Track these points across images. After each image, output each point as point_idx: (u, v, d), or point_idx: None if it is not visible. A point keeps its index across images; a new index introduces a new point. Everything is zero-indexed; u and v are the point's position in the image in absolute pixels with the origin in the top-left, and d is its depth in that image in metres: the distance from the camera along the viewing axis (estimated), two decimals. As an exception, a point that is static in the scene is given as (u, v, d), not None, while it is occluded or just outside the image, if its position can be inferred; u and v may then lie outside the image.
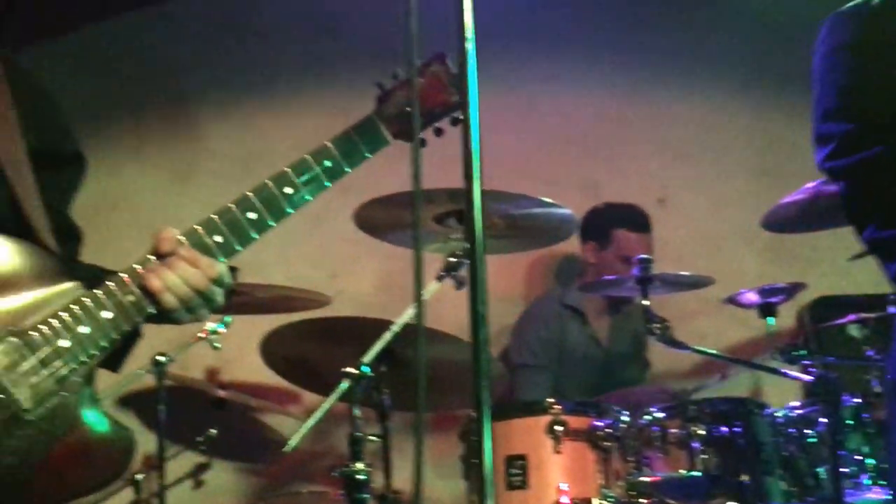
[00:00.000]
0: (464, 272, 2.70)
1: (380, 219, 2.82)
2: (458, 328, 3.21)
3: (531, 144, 4.32)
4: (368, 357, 2.52)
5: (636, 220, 3.78)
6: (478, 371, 1.30)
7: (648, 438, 2.77)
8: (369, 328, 2.83)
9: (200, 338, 3.24)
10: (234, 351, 3.72)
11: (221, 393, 3.52)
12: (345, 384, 2.48)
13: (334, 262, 4.18)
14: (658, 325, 2.92)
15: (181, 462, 3.60)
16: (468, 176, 1.35)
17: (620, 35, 4.46)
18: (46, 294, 1.57)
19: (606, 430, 2.75)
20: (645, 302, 2.95)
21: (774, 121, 4.40)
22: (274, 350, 3.06)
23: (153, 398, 3.07)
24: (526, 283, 4.26)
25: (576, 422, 2.73)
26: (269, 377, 3.41)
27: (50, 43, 4.23)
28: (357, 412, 2.53)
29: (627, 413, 2.81)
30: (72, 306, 1.57)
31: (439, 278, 2.68)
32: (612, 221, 3.79)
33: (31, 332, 1.54)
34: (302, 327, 3.04)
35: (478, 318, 1.32)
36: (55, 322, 1.56)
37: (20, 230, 1.64)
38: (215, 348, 3.27)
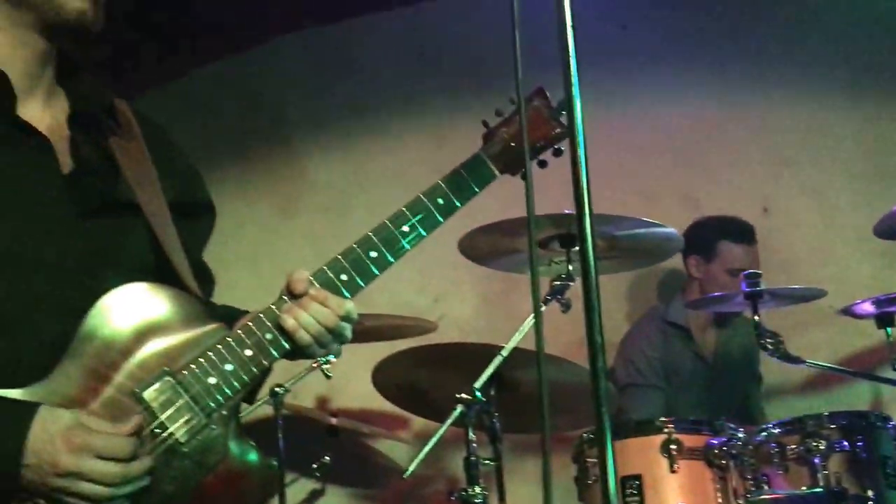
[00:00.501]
0: (569, 295, 2.76)
1: (483, 246, 2.91)
2: (562, 350, 3.29)
3: (627, 160, 4.35)
4: (480, 382, 2.59)
5: (741, 231, 3.77)
6: (598, 400, 1.34)
7: (766, 455, 2.76)
8: (475, 353, 2.92)
9: (313, 367, 3.38)
10: (342, 379, 3.86)
11: (333, 420, 3.65)
12: (459, 409, 2.56)
13: (436, 286, 4.30)
14: (770, 340, 2.91)
15: (297, 489, 3.76)
16: (580, 216, 1.40)
17: (714, 44, 4.46)
18: (194, 335, 1.71)
19: (722, 447, 2.75)
20: (755, 317, 2.95)
21: (885, 122, 4.32)
22: (385, 377, 3.17)
23: (271, 427, 3.22)
24: (629, 300, 4.28)
25: (690, 440, 2.74)
26: (378, 403, 3.53)
27: (158, 88, 4.50)
28: (472, 436, 2.60)
29: (743, 430, 2.80)
30: (217, 346, 1.70)
31: (545, 301, 2.75)
32: (716, 234, 3.78)
33: (183, 372, 1.67)
34: (411, 355, 3.14)
35: (595, 347, 1.37)
36: (203, 361, 1.69)
37: (166, 276, 1.78)
38: (327, 377, 3.40)
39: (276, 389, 3.18)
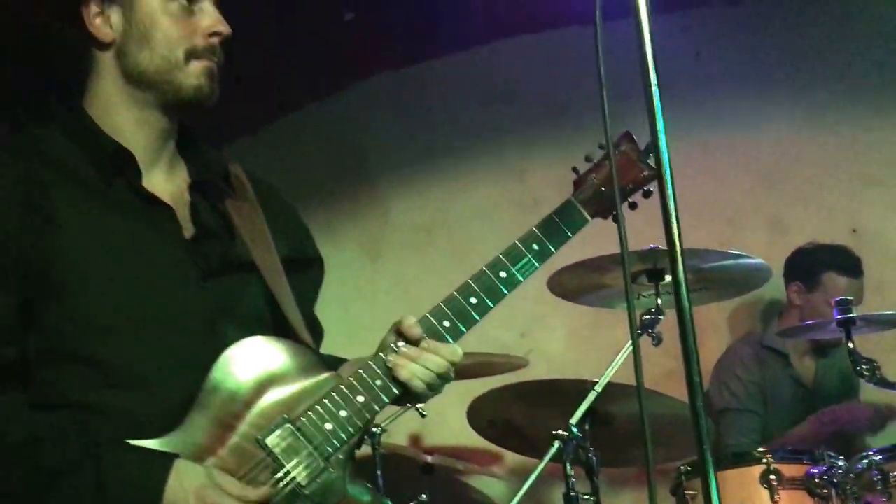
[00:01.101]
0: (659, 328, 2.83)
1: (571, 283, 3.01)
2: (653, 382, 3.35)
3: (711, 187, 4.41)
4: (576, 418, 2.69)
5: (848, 263, 3.77)
6: (700, 438, 1.43)
7: (869, 482, 2.79)
8: (567, 388, 3.02)
9: (408, 406, 3.50)
10: (435, 416, 3.98)
11: (429, 458, 3.76)
12: (556, 445, 2.65)
13: (523, 322, 4.40)
14: (866, 367, 2.93)
15: (397, 528, 3.87)
16: (672, 261, 1.48)
17: (796, 66, 4.51)
18: (310, 384, 1.85)
19: (823, 476, 2.78)
20: (849, 344, 2.98)
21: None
22: (479, 414, 3.28)
23: (370, 466, 3.35)
24: (729, 325, 4.32)
25: (790, 469, 2.79)
26: (471, 440, 3.64)
27: (247, 136, 4.74)
28: (570, 471, 2.69)
29: (843, 458, 2.83)
30: (332, 393, 1.84)
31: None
32: (821, 264, 3.79)
33: (301, 419, 1.81)
34: (504, 392, 3.25)
35: (694, 387, 1.45)
36: (319, 408, 1.82)
37: (281, 330, 1.94)
38: (422, 416, 3.51)
39: (373, 429, 3.31)
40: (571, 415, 2.94)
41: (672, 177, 1.56)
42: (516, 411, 3.22)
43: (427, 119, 4.78)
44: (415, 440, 4.35)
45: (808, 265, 3.81)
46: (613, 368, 2.74)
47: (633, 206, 2.07)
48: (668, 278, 2.84)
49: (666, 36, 4.97)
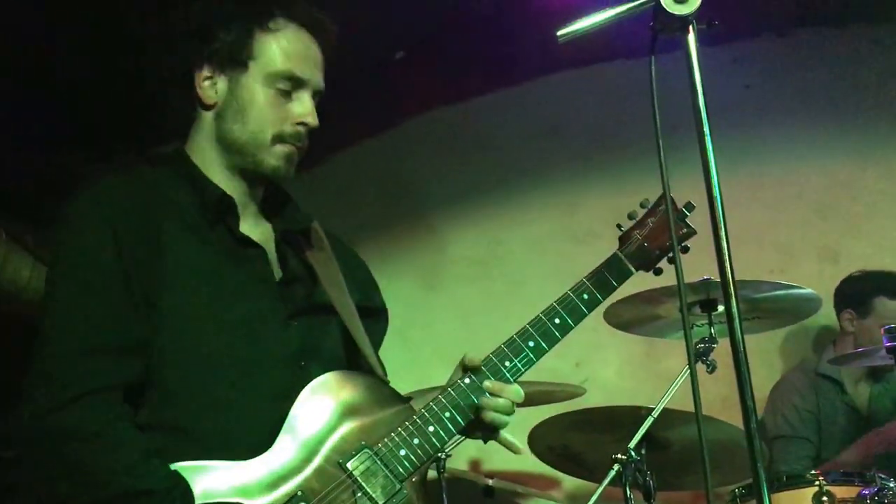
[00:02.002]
0: (713, 356, 3.00)
1: (626, 314, 3.18)
2: (708, 408, 3.48)
3: (762, 217, 4.55)
4: (633, 442, 2.87)
5: None
6: (753, 459, 1.56)
7: (920, 504, 2.91)
8: (622, 415, 3.19)
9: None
10: (494, 443, 4.16)
11: (490, 482, 3.94)
12: (616, 469, 2.83)
13: (578, 351, 4.58)
14: (919, 392, 3.05)
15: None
16: (727, 295, 1.64)
17: (842, 97, 4.64)
18: (386, 415, 2.09)
19: (874, 497, 2.92)
20: (901, 370, 3.10)
21: None
22: (540, 440, 3.46)
23: (436, 489, 3.53)
24: (781, 354, 4.46)
25: (842, 491, 2.93)
26: (527, 465, 3.78)
27: (301, 174, 4.97)
28: (630, 494, 2.87)
29: (894, 479, 2.96)
30: (406, 423, 2.07)
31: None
32: (872, 290, 3.91)
33: (379, 445, 2.04)
34: (563, 419, 3.43)
35: (748, 412, 1.59)
36: (395, 436, 2.06)
37: (356, 365, 2.18)
38: (485, 441, 3.69)
39: (439, 455, 3.50)
40: (627, 440, 3.12)
41: (723, 209, 1.71)
42: (574, 437, 3.40)
43: (479, 153, 4.99)
44: (475, 465, 4.53)
45: (859, 292, 3.92)
46: (669, 394, 2.91)
47: (671, 260, 2.27)
48: (720, 308, 3.01)
49: (716, 68, 5.19)
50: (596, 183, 4.86)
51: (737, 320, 1.64)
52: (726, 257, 1.67)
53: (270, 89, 2.08)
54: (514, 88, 4.98)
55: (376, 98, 4.73)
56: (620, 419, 3.21)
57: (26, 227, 3.55)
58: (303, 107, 2.11)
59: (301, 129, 2.11)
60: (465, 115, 5.03)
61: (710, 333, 3.00)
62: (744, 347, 1.61)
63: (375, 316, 2.34)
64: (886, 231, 4.50)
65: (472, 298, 4.81)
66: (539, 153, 4.95)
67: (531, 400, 3.70)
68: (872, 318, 3.89)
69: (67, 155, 3.79)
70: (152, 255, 1.99)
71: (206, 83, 2.10)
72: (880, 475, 3.00)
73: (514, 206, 4.94)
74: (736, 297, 1.66)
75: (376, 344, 2.32)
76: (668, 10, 1.63)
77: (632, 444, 2.87)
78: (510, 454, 4.08)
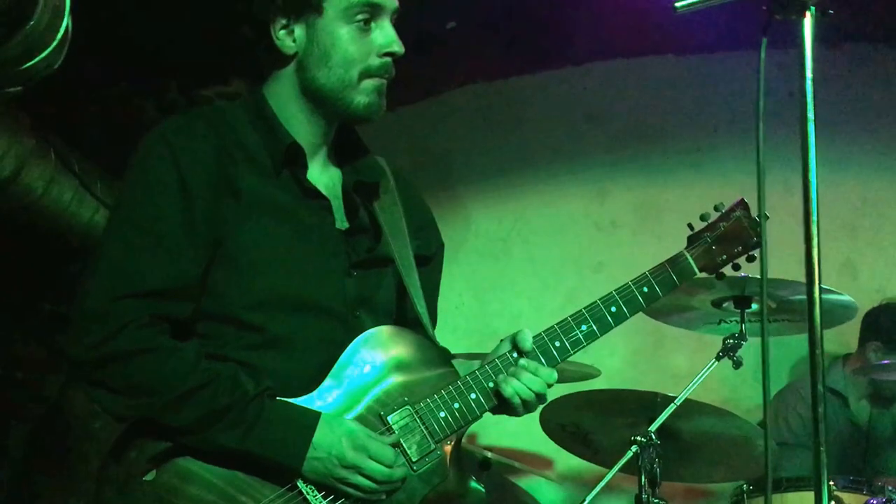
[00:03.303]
0: (740, 353, 3.01)
1: (659, 302, 3.16)
2: (723, 402, 3.48)
3: (788, 225, 4.51)
4: (655, 426, 2.88)
5: None
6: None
7: (927, 517, 2.94)
8: (635, 399, 3.20)
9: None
10: (490, 417, 4.19)
11: (489, 454, 3.95)
12: (633, 450, 2.85)
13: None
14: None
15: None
16: (810, 294, 1.67)
17: (884, 114, 4.65)
18: (431, 375, 2.10)
19: (883, 508, 2.95)
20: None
21: None
22: (553, 417, 3.48)
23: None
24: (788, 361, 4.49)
25: (851, 498, 2.96)
26: (521, 442, 3.73)
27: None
28: (643, 479, 2.88)
29: (901, 491, 2.99)
30: (449, 387, 2.08)
31: (718, 358, 3.03)
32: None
33: (420, 404, 2.05)
34: (577, 398, 3.44)
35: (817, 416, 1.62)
36: (437, 398, 2.07)
37: (410, 322, 2.19)
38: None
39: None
40: (636, 426, 3.14)
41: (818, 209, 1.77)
42: (585, 417, 3.41)
43: (515, 132, 5.00)
44: (471, 438, 4.55)
45: (889, 325, 3.90)
46: (695, 384, 2.92)
47: (736, 267, 2.31)
48: (754, 306, 3.01)
49: (758, 70, 5.08)
50: (625, 174, 4.87)
51: (818, 333, 1.69)
52: (815, 265, 1.71)
53: (349, 25, 2.03)
54: (557, 72, 4.99)
55: (420, 66, 4.71)
56: (634, 403, 3.23)
57: (94, 170, 3.56)
58: (385, 36, 2.05)
59: (388, 59, 2.05)
60: (504, 93, 5.04)
61: (741, 330, 3.01)
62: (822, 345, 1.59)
63: (431, 262, 2.33)
64: None
65: (489, 273, 4.82)
66: (573, 139, 4.96)
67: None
68: None
69: (143, 102, 3.81)
70: (221, 195, 1.99)
71: (283, 33, 2.05)
72: (889, 487, 3.02)
73: (541, 188, 4.95)
74: (820, 303, 1.72)
75: (432, 291, 2.32)
76: (793, -9, 1.58)
77: (653, 427, 2.88)
78: (507, 431, 4.12)
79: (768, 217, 2.20)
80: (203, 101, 4.02)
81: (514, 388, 2.06)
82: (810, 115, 1.74)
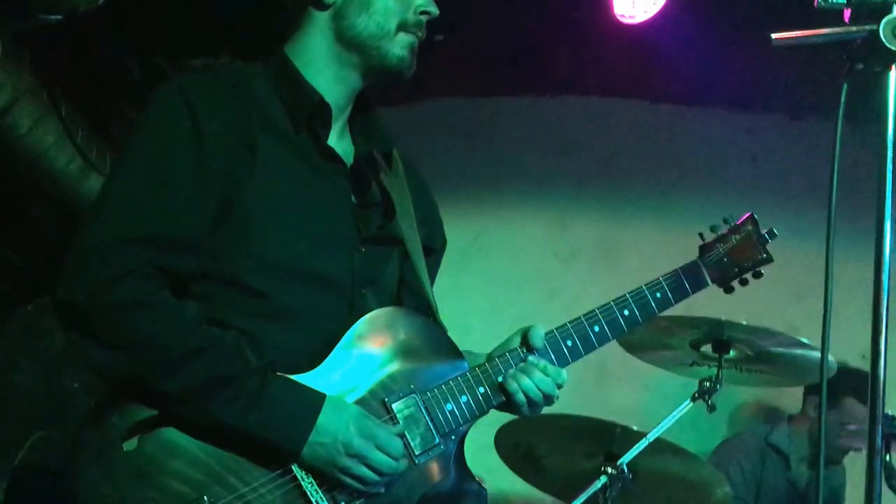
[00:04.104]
0: (715, 398, 3.00)
1: (637, 336, 3.14)
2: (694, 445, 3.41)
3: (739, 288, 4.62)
4: (626, 459, 2.84)
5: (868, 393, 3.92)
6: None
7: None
8: (594, 428, 3.15)
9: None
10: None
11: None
12: (603, 480, 2.80)
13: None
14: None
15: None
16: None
17: (844, 190, 4.74)
18: (440, 364, 2.00)
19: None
20: (888, 456, 3.14)
21: None
22: (508, 436, 3.40)
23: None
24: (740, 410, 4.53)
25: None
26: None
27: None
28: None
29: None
30: (458, 378, 1.99)
31: (693, 399, 3.01)
32: (845, 388, 3.87)
33: (427, 393, 1.95)
34: (538, 420, 3.37)
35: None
36: (445, 388, 1.97)
37: (421, 308, 2.10)
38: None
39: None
40: (591, 457, 3.10)
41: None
42: (541, 441, 3.36)
43: (487, 150, 4.97)
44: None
45: (833, 385, 3.93)
46: (669, 422, 2.90)
47: (744, 282, 2.27)
48: (732, 352, 3.01)
49: (728, 132, 5.21)
50: (589, 208, 4.89)
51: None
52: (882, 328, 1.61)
53: None
54: (535, 99, 4.99)
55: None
56: (592, 432, 3.18)
57: (78, 119, 3.40)
58: None
59: (423, 17, 2.02)
60: (483, 111, 5.01)
61: (718, 375, 3.00)
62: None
63: (433, 255, 2.28)
64: (851, 326, 4.60)
65: (444, 285, 4.70)
66: (542, 165, 4.95)
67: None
68: (836, 412, 3.90)
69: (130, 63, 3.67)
70: (235, 152, 1.89)
71: None
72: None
73: (506, 208, 4.93)
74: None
75: (431, 281, 2.25)
76: (885, 43, 1.57)
77: (624, 460, 2.84)
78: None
79: (776, 235, 2.24)
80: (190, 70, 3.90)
81: (522, 385, 1.99)
82: (889, 179, 1.67)
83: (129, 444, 1.78)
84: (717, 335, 3.05)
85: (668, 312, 2.95)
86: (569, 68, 4.74)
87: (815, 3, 1.50)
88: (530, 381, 1.99)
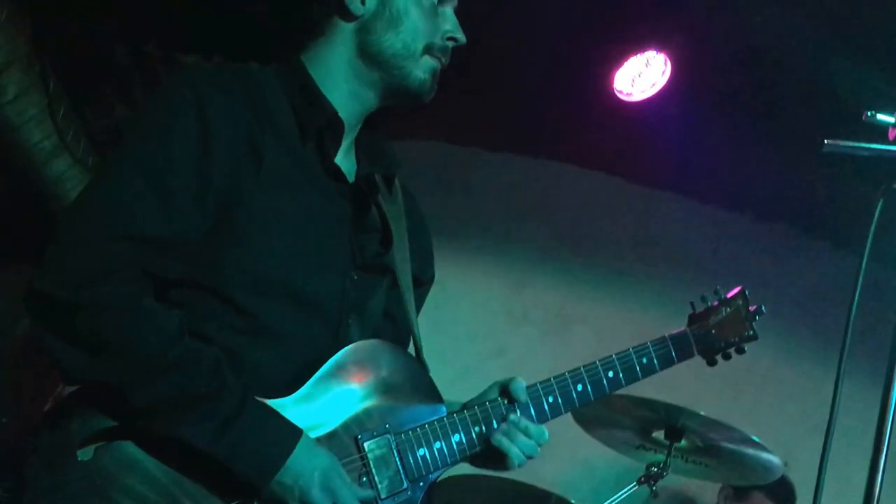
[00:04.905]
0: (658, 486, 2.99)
1: (590, 412, 3.12)
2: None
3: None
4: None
5: (780, 491, 3.90)
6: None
7: None
8: (529, 496, 3.13)
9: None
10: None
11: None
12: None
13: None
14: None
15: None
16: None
17: (798, 305, 4.82)
18: (419, 407, 1.95)
19: None
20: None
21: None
22: (443, 493, 3.34)
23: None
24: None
25: None
26: None
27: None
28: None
29: None
30: (434, 423, 1.94)
31: (639, 482, 3.00)
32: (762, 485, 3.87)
33: (401, 435, 1.90)
34: (475, 480, 3.33)
35: None
36: (420, 432, 1.93)
37: (402, 341, 2.06)
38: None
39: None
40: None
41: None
42: (475, 502, 3.31)
43: (458, 199, 4.97)
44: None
45: None
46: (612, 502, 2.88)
47: (727, 356, 2.24)
48: (684, 441, 3.01)
49: (694, 221, 5.24)
50: (548, 274, 4.91)
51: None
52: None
53: (424, 0, 1.96)
54: (513, 157, 5.02)
55: (388, 114, 4.63)
56: (527, 500, 3.15)
57: (63, 97, 3.31)
58: (452, 22, 2.00)
59: (450, 44, 2.00)
60: (459, 159, 5.02)
61: (666, 462, 3.00)
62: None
63: (421, 288, 2.22)
64: (773, 433, 4.60)
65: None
66: (509, 222, 4.97)
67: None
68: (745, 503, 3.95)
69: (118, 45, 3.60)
70: (240, 158, 1.82)
71: None
72: None
73: (467, 259, 4.91)
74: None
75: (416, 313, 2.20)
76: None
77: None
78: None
79: (764, 313, 2.20)
80: (180, 66, 3.83)
81: (505, 446, 1.95)
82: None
83: (85, 454, 1.69)
84: (672, 422, 3.06)
85: (627, 391, 2.99)
86: (553, 132, 4.76)
87: (864, 117, 1.52)
88: (515, 445, 1.95)
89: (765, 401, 4.78)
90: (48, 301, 1.69)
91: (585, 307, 4.85)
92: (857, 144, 1.62)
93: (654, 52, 3.90)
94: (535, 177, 5.02)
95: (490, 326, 4.83)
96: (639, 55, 3.91)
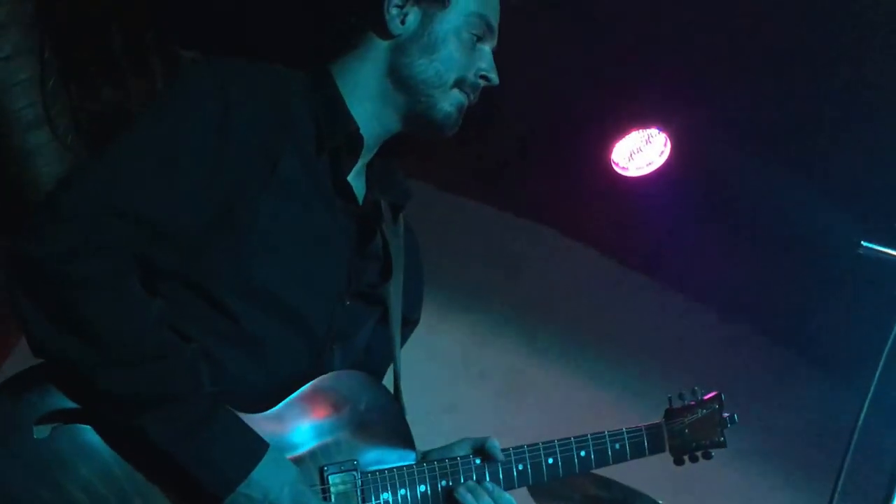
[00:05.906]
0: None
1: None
2: None
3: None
4: None
5: None
6: None
7: None
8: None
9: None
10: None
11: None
12: None
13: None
14: None
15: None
16: None
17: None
18: (391, 449, 1.90)
19: None
20: None
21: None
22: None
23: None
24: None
25: None
26: None
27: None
28: None
29: None
30: (403, 469, 1.89)
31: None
32: None
33: (368, 474, 1.84)
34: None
35: None
36: (387, 475, 1.87)
37: (380, 377, 2.02)
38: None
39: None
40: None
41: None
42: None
43: (434, 243, 4.69)
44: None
45: None
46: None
47: (694, 459, 2.20)
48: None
49: (661, 309, 5.15)
50: (510, 337, 4.83)
51: None
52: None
53: (465, 32, 1.93)
54: (497, 212, 4.94)
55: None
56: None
57: (55, 66, 3.22)
58: (488, 61, 1.97)
59: (482, 82, 1.96)
60: (444, 204, 4.91)
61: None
62: None
63: (408, 328, 2.19)
64: None
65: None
66: (481, 278, 4.88)
67: None
68: None
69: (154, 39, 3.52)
70: (256, 159, 1.77)
71: (395, 10, 1.92)
72: None
73: (432, 307, 4.64)
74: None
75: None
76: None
77: None
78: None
79: (736, 422, 2.15)
80: (177, 60, 3.74)
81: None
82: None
83: (41, 432, 1.60)
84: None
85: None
86: (541, 194, 4.73)
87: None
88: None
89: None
90: (31, 266, 1.61)
91: (541, 376, 4.79)
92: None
93: (657, 130, 3.88)
94: (514, 236, 4.98)
95: (445, 379, 4.73)
96: (641, 130, 3.88)
